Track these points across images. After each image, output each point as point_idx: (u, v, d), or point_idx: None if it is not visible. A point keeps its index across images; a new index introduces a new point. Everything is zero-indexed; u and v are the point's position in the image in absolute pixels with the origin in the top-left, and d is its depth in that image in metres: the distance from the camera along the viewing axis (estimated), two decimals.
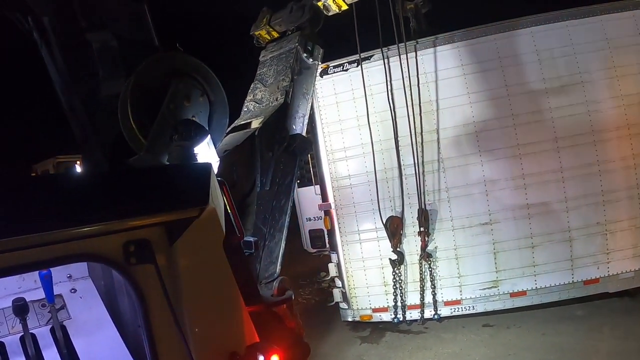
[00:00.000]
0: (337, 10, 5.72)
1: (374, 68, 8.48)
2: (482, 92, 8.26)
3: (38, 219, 1.85)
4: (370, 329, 9.00)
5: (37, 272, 2.59)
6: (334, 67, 8.81)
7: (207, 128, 3.25)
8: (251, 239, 3.16)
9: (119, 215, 2.02)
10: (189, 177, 2.36)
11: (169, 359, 2.13)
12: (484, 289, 8.30)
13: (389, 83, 8.28)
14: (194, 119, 3.12)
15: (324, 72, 8.75)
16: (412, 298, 8.55)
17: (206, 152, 3.26)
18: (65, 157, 15.94)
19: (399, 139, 8.28)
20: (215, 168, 3.57)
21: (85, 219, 1.94)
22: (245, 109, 5.12)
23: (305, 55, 5.43)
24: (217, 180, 2.72)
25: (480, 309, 8.36)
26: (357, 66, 8.54)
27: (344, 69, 8.75)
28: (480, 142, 8.27)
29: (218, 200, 2.43)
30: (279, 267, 4.50)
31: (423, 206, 8.17)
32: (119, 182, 2.18)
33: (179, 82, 3.10)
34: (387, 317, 8.73)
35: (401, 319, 8.57)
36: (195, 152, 3.01)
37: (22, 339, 2.53)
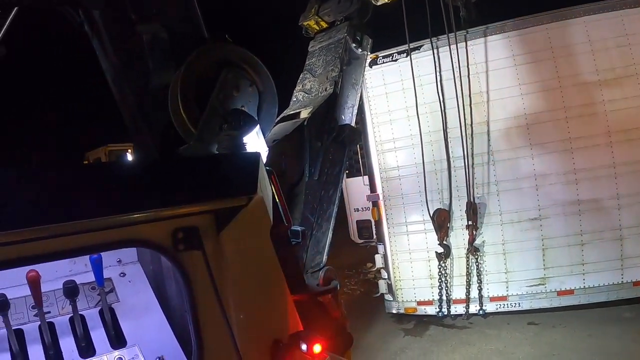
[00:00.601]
0: (386, 0, 5.66)
1: (423, 58, 8.37)
2: (533, 84, 8.03)
3: (92, 206, 1.90)
4: (415, 322, 8.94)
5: (88, 256, 2.64)
6: (383, 57, 8.73)
7: (256, 118, 3.27)
8: (298, 228, 3.16)
9: (168, 202, 2.05)
10: (238, 166, 2.39)
11: (213, 344, 2.16)
12: (531, 285, 8.11)
13: (438, 74, 8.17)
14: (243, 108, 3.14)
15: (373, 63, 8.68)
16: (458, 292, 8.45)
17: (255, 142, 3.28)
18: (116, 145, 16.37)
19: (448, 130, 8.17)
20: (264, 158, 3.60)
21: (137, 206, 1.98)
22: (294, 99, 5.13)
23: (354, 45, 5.40)
24: (266, 169, 2.74)
25: (526, 306, 8.18)
26: (406, 56, 8.44)
27: (393, 59, 8.65)
28: (531, 134, 8.05)
29: (266, 189, 2.45)
30: (325, 257, 4.51)
31: (472, 199, 8.04)
32: (170, 170, 2.21)
33: (228, 72, 3.12)
34: (431, 310, 8.65)
35: (446, 313, 8.48)
36: (244, 141, 3.03)
37: (71, 320, 2.58)
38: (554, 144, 7.96)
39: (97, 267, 2.55)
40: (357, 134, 4.95)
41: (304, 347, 2.30)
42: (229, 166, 2.36)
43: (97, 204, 1.91)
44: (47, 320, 2.51)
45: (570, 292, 7.95)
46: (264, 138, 3.51)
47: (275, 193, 2.93)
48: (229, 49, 3.25)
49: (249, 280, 2.28)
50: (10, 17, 3.64)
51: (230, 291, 2.19)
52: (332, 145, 4.56)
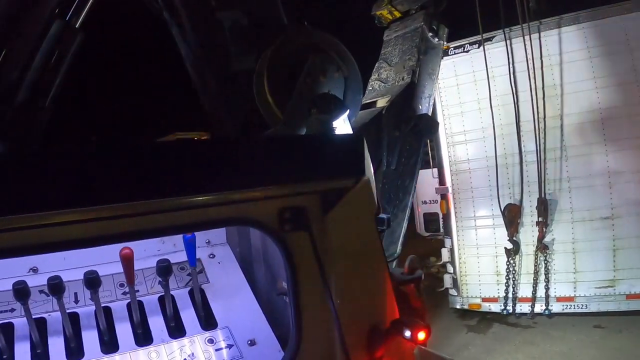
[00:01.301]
0: None
1: (495, 49, 8.18)
2: (609, 77, 7.72)
3: (197, 183, 1.87)
4: (478, 318, 8.78)
5: (180, 236, 2.64)
6: (455, 48, 8.58)
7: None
8: (384, 215, 3.15)
9: (275, 181, 2.02)
10: (344, 147, 2.31)
11: (314, 327, 2.13)
12: (600, 287, 7.82)
13: (511, 65, 7.98)
14: (333, 94, 3.14)
15: (445, 54, 8.47)
16: (524, 290, 8.25)
17: (343, 128, 3.28)
18: (183, 133, 16.71)
19: (520, 124, 7.98)
20: None
21: (243, 184, 1.95)
22: (370, 88, 5.11)
23: (430, 34, 5.33)
24: None
25: (593, 308, 7.90)
26: (478, 47, 8.29)
27: (465, 50, 8.49)
28: (606, 130, 7.75)
29: (371, 172, 2.40)
30: (399, 247, 4.49)
31: (543, 195, 7.83)
32: (275, 149, 2.14)
33: (316, 57, 3.12)
34: (496, 307, 8.50)
35: (510, 311, 8.31)
36: (333, 126, 3.03)
37: (161, 299, 2.58)
38: (629, 141, 7.62)
39: (191, 247, 2.55)
40: (435, 123, 4.90)
41: (407, 333, 2.26)
42: (336, 147, 2.29)
43: (201, 180, 1.88)
44: (136, 299, 2.50)
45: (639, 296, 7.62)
46: (350, 124, 3.51)
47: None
48: (316, 35, 3.25)
49: (353, 263, 2.24)
50: (89, 3, 3.74)
51: (334, 274, 2.15)
52: (410, 135, 4.52)
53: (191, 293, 2.69)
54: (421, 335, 2.30)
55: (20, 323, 2.35)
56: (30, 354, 2.27)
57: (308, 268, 2.09)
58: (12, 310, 2.39)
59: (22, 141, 3.43)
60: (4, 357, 2.23)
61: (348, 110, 3.05)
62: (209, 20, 3.50)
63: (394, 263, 4.24)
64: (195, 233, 2.83)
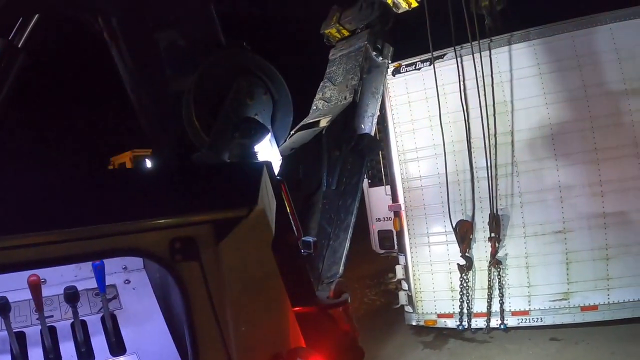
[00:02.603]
0: (407, 8, 5.60)
1: (446, 67, 8.25)
2: (558, 93, 7.85)
3: (90, 213, 1.92)
4: (434, 335, 8.79)
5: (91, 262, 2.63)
6: (407, 65, 8.64)
7: (270, 126, 3.24)
8: (310, 239, 3.11)
9: (167, 212, 2.05)
10: (241, 176, 2.38)
11: (209, 355, 2.14)
12: (554, 300, 7.88)
13: (461, 82, 8.06)
14: (256, 117, 3.12)
15: (396, 71, 8.60)
16: (479, 306, 8.26)
17: (268, 151, 3.25)
18: (142, 150, 16.44)
19: (471, 140, 8.04)
20: (277, 166, 3.56)
21: (135, 214, 1.98)
22: (314, 107, 5.10)
23: (374, 53, 5.35)
24: (276, 179, 2.70)
25: (548, 321, 7.95)
26: (429, 65, 8.36)
27: (417, 67, 8.56)
28: (556, 145, 7.87)
29: (269, 199, 2.42)
30: (342, 267, 4.45)
31: (495, 211, 7.89)
32: (171, 179, 2.22)
33: (242, 79, 3.09)
34: (452, 323, 8.49)
35: (466, 327, 8.29)
36: (255, 150, 3.01)
37: (73, 325, 2.58)
38: (579, 155, 7.75)
39: (99, 274, 2.54)
40: (376, 143, 4.89)
41: None
42: (232, 176, 2.36)
43: (96, 211, 1.93)
44: (48, 325, 2.50)
45: (594, 307, 7.69)
46: (278, 147, 3.47)
47: (285, 203, 2.88)
48: (243, 57, 3.23)
49: (248, 292, 2.24)
50: (31, 24, 3.65)
51: (229, 303, 2.16)
52: (351, 154, 4.50)
53: (103, 319, 2.68)
54: None
55: None
56: None
57: (201, 298, 2.10)
58: None
59: None
60: None
61: (269, 134, 3.02)
62: (146, 42, 3.45)
63: (332, 285, 4.18)
64: (113, 259, 2.82)
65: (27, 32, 3.60)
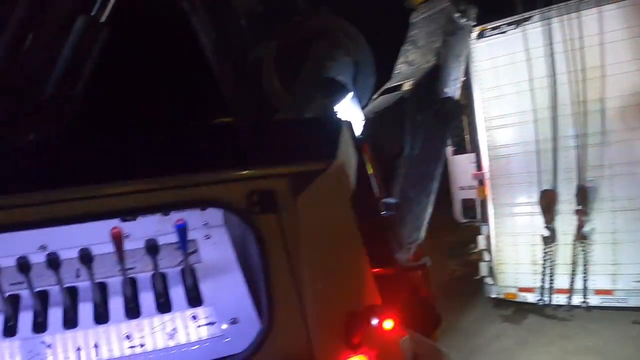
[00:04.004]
0: None
1: (533, 30, 7.85)
2: None
3: (170, 164, 1.98)
4: (514, 309, 8.57)
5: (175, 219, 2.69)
6: (492, 29, 8.25)
7: (352, 87, 3.18)
8: (392, 200, 3.06)
9: (245, 164, 2.06)
10: (320, 130, 2.34)
11: (283, 308, 2.16)
12: None
13: (550, 47, 7.66)
14: (338, 78, 3.06)
15: (481, 35, 8.24)
16: (561, 281, 7.97)
17: (350, 111, 3.20)
18: (225, 120, 16.72)
19: (559, 107, 7.67)
20: (359, 128, 3.50)
21: (213, 166, 2.02)
22: (397, 71, 4.96)
23: (457, 15, 5.13)
24: (358, 138, 2.66)
25: (633, 302, 7.57)
26: (516, 28, 7.99)
27: (502, 31, 8.16)
28: None
29: (350, 156, 2.37)
30: (423, 233, 4.36)
31: (582, 182, 7.53)
32: (251, 133, 2.23)
33: (323, 41, 3.04)
34: (532, 298, 8.27)
35: (547, 302, 8.08)
36: (336, 109, 2.97)
37: (153, 277, 2.65)
38: None
39: (181, 235, 2.57)
40: (459, 108, 4.73)
41: (374, 321, 2.20)
42: (311, 130, 2.32)
43: (176, 162, 1.98)
44: (130, 276, 2.60)
45: None
46: (361, 108, 3.42)
47: (368, 163, 2.83)
48: (324, 19, 3.18)
49: (326, 247, 2.24)
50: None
51: (305, 258, 2.16)
52: (434, 118, 4.36)
53: (183, 272, 2.75)
54: (387, 324, 2.24)
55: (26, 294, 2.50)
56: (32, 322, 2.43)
57: (277, 251, 2.12)
58: (20, 283, 2.47)
59: (51, 131, 3.50)
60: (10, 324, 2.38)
61: (351, 95, 2.97)
62: (226, 9, 3.48)
63: (413, 248, 4.11)
64: (194, 214, 2.95)
65: (109, 7, 3.70)
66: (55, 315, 2.46)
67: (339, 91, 2.88)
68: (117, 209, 1.96)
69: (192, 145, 2.09)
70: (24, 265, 2.28)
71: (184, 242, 2.58)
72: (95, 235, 2.48)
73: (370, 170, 2.83)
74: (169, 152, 2.03)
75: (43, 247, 2.61)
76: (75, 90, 3.59)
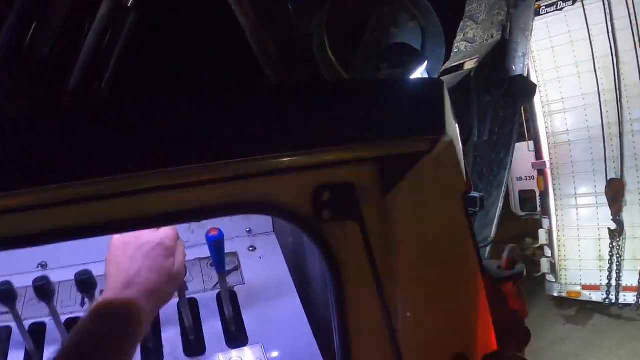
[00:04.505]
0: None
1: (592, 6, 7.24)
2: None
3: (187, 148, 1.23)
4: (577, 308, 8.03)
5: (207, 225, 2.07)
6: (547, 6, 7.67)
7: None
8: (476, 194, 2.52)
9: (308, 144, 1.30)
10: (414, 95, 1.55)
11: (366, 354, 1.47)
12: None
13: (610, 22, 7.07)
14: (408, 42, 2.59)
15: (536, 13, 7.65)
16: (629, 278, 7.41)
17: None
18: None
19: (625, 88, 7.08)
20: None
21: (256, 148, 1.24)
22: (456, 50, 4.50)
23: None
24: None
25: None
26: (573, 4, 7.39)
27: (558, 8, 7.55)
28: None
29: (455, 131, 1.62)
30: (494, 230, 3.88)
31: None
32: (316, 100, 1.40)
33: (384, 5, 2.57)
34: (597, 296, 7.71)
35: (613, 301, 7.53)
36: None
37: (179, 305, 1.99)
38: None
39: (215, 251, 1.91)
40: (532, 86, 4.22)
41: None
42: (402, 96, 1.53)
43: (187, 145, 1.21)
44: None
45: None
46: None
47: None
48: None
49: (429, 266, 1.51)
50: None
51: (401, 284, 1.46)
52: (503, 99, 3.88)
53: (219, 297, 2.11)
54: None
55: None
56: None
57: (359, 272, 1.39)
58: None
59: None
60: None
61: (427, 63, 2.47)
62: None
63: (487, 250, 3.65)
64: (235, 219, 2.37)
65: None
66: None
67: (411, 59, 2.37)
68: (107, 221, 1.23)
69: (225, 115, 1.27)
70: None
71: (221, 263, 1.94)
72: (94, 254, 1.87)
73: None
74: (188, 128, 1.24)
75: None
76: (101, 82, 3.25)
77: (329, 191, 1.34)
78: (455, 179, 1.56)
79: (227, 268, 2.07)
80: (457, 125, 1.73)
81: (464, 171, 1.65)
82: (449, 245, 1.56)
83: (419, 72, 2.64)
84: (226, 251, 1.94)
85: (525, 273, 2.73)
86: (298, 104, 1.36)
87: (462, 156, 1.69)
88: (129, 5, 3.38)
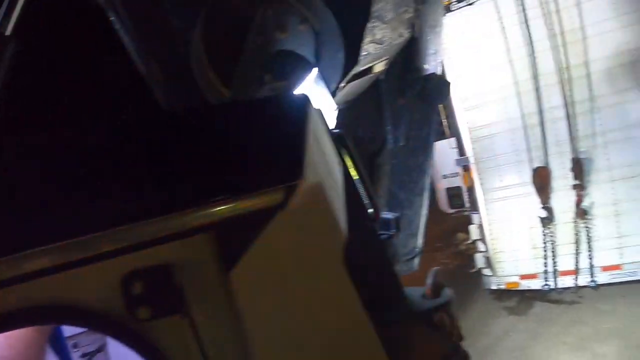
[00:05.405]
0: None
1: None
2: (635, 13, 6.80)
3: None
4: (517, 298, 8.07)
5: None
6: (457, 1, 7.65)
7: (315, 63, 2.45)
8: (390, 215, 2.25)
9: (107, 216, 0.95)
10: (258, 130, 1.13)
11: None
12: None
13: (523, 13, 7.09)
14: (294, 50, 2.32)
15: (446, 9, 7.62)
16: (565, 263, 7.48)
17: (317, 98, 2.45)
18: None
19: (541, 77, 7.13)
20: (332, 120, 2.80)
21: (37, 238, 0.90)
22: (364, 53, 4.28)
23: None
24: (333, 132, 1.81)
25: None
26: None
27: (469, 2, 7.56)
28: (638, 73, 6.82)
29: (327, 164, 1.27)
30: (420, 240, 3.67)
31: (576, 155, 7.01)
32: (120, 145, 1.05)
33: (268, 7, 2.28)
34: (536, 284, 7.75)
35: (552, 287, 7.59)
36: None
37: None
38: None
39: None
40: (446, 84, 4.02)
41: None
42: (243, 126, 1.14)
43: None
44: None
45: None
46: (330, 92, 2.70)
47: (353, 167, 2.04)
48: None
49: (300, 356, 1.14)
50: (19, 5, 3.02)
51: None
52: (417, 100, 3.68)
53: None
54: None
55: None
56: None
57: None
58: None
59: None
60: None
61: (315, 73, 2.20)
62: None
63: (429, 279, 3.41)
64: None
65: (14, 17, 2.97)
66: None
67: (297, 67, 2.09)
68: None
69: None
70: None
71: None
72: None
73: (357, 177, 1.99)
74: None
75: None
76: None
77: (143, 280, 0.98)
78: (327, 232, 1.14)
79: (89, 349, 1.70)
80: (331, 158, 1.37)
81: (344, 217, 1.25)
82: (329, 323, 1.17)
83: (311, 81, 2.38)
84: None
85: (453, 299, 2.52)
86: (96, 164, 0.99)
87: (340, 197, 1.30)
88: (7, 34, 2.99)
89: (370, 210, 2.11)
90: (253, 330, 1.06)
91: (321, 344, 1.12)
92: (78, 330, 1.68)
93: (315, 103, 2.15)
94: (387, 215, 2.22)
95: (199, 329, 1.00)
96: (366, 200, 2.10)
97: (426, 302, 2.04)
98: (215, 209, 1.00)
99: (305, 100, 1.19)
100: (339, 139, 1.82)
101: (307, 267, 1.12)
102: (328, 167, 1.22)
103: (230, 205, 1.01)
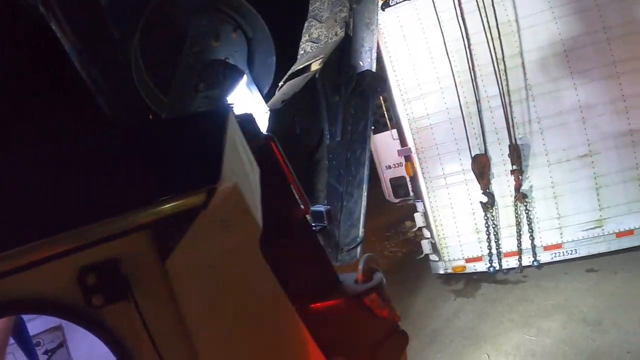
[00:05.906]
0: None
1: None
2: (567, 5, 7.11)
3: None
4: (465, 281, 8.34)
5: None
6: None
7: (249, 71, 2.58)
8: (321, 208, 2.44)
9: (61, 221, 1.16)
10: (186, 137, 1.40)
11: None
12: (587, 229, 7.42)
13: (459, 7, 7.36)
14: (225, 59, 2.45)
15: (386, 5, 7.81)
16: (508, 244, 7.81)
17: (250, 102, 2.59)
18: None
19: (478, 68, 7.41)
20: (265, 121, 2.93)
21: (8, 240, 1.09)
22: (302, 52, 4.41)
23: None
24: (261, 135, 1.98)
25: (583, 252, 7.53)
26: None
27: None
28: (571, 62, 7.18)
29: (243, 167, 1.50)
30: (361, 229, 3.85)
31: (514, 141, 7.33)
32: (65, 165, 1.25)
33: (202, 17, 2.41)
34: (481, 267, 8.04)
35: (497, 268, 7.89)
36: (228, 102, 2.35)
37: None
38: (597, 70, 7.09)
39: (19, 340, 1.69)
40: (380, 80, 4.22)
41: None
42: (172, 140, 1.39)
43: None
44: None
45: (630, 232, 7.24)
46: (263, 96, 2.84)
47: (280, 167, 2.20)
48: None
49: (228, 332, 1.39)
50: None
51: (204, 354, 1.33)
52: (353, 97, 3.84)
53: None
54: None
55: None
56: None
57: (149, 355, 1.25)
58: None
59: None
60: None
61: (246, 79, 2.35)
62: (84, 4, 2.81)
63: (361, 264, 3.62)
64: None
65: None
66: None
67: (228, 76, 2.25)
68: None
69: None
70: None
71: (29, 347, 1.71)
72: None
73: (285, 176, 2.18)
74: None
75: None
76: None
77: (96, 272, 1.21)
78: (246, 226, 1.42)
79: (50, 346, 1.85)
80: (251, 163, 1.57)
81: (259, 212, 1.49)
82: (252, 301, 1.43)
83: (243, 87, 2.52)
84: (49, 326, 1.74)
85: (384, 282, 2.70)
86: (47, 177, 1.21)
87: (257, 195, 1.54)
88: None
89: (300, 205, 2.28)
90: (188, 310, 1.31)
91: (248, 320, 1.43)
92: (41, 329, 1.80)
93: (245, 109, 2.31)
94: (319, 207, 2.40)
95: (143, 311, 1.24)
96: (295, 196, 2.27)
97: (358, 286, 2.23)
98: (150, 211, 1.24)
99: (225, 115, 1.42)
100: (265, 144, 1.98)
101: (229, 255, 1.40)
102: (244, 170, 1.44)
103: (163, 207, 1.25)
